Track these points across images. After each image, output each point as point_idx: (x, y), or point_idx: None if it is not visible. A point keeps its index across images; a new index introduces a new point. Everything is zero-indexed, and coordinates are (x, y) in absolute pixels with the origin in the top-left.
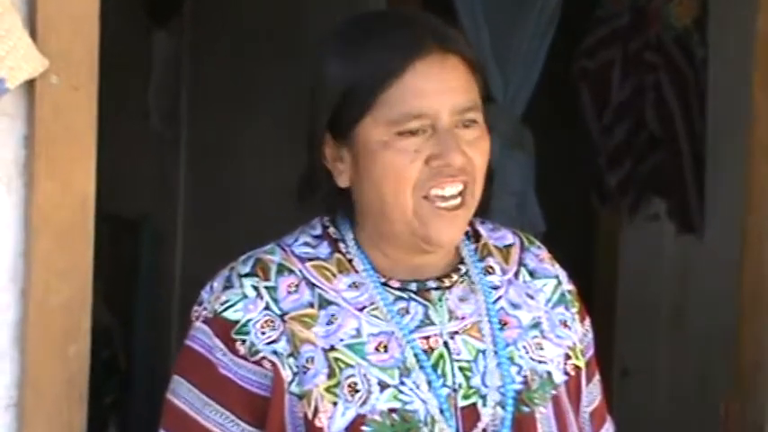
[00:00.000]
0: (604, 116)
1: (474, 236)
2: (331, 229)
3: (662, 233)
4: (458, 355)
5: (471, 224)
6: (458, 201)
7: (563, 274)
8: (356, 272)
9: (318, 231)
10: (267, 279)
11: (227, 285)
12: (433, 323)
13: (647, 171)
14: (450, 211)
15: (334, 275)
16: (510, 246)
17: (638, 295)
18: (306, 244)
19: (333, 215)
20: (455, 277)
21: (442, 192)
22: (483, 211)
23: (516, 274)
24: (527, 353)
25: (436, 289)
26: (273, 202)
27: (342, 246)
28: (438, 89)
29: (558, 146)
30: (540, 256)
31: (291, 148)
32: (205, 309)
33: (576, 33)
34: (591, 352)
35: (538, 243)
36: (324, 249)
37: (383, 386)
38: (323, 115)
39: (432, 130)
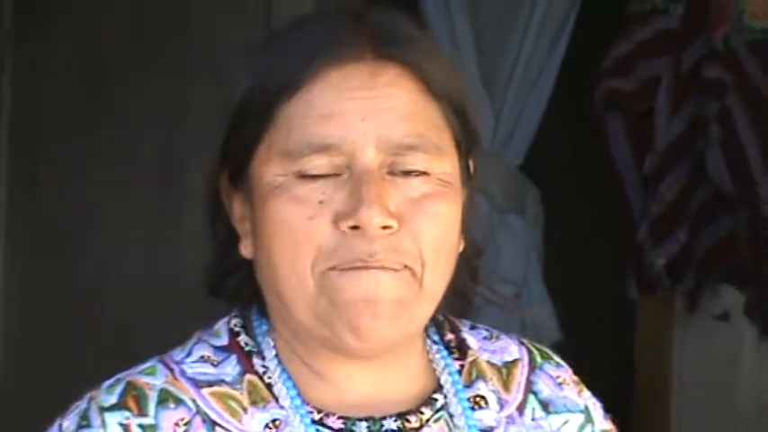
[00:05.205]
0: (646, 163)
1: (458, 348)
2: (242, 337)
3: (737, 339)
4: None
5: (455, 329)
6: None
7: (595, 407)
8: (277, 403)
9: (224, 341)
10: (143, 414)
11: (84, 424)
12: None
13: (711, 246)
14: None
15: (244, 409)
16: (513, 363)
17: None
18: (204, 360)
19: (246, 313)
20: (427, 413)
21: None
22: (465, 311)
23: (521, 408)
24: None
25: None
26: (151, 293)
27: (257, 362)
28: (358, 110)
29: (576, 210)
30: (558, 379)
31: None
32: None
33: (602, 39)
34: None
35: (556, 359)
36: (230, 368)
37: None
38: (220, 148)
39: (349, 172)
